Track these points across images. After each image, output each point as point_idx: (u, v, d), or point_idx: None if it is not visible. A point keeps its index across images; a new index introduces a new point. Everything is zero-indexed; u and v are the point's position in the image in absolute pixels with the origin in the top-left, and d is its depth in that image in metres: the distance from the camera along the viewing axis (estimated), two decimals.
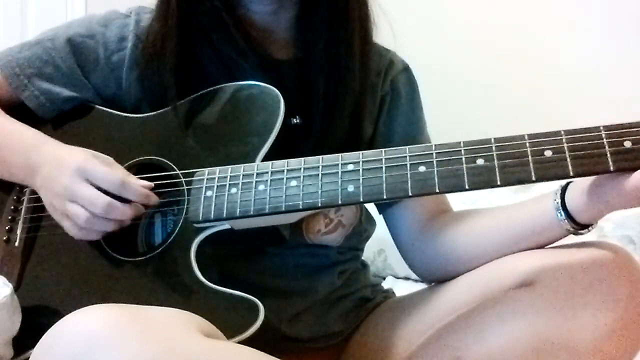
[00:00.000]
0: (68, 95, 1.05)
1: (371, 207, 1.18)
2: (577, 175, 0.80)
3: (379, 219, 1.19)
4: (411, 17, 2.07)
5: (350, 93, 1.03)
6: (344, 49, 1.03)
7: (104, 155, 0.97)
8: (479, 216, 1.04)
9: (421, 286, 1.77)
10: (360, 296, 1.15)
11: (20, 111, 1.05)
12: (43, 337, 0.71)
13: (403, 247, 1.12)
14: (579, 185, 0.87)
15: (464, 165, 0.83)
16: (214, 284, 0.90)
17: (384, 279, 1.94)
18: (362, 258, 1.23)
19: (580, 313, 0.85)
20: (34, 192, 1.01)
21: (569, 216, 0.88)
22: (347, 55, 1.03)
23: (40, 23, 2.04)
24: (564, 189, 0.90)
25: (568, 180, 0.88)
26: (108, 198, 0.90)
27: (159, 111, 1.03)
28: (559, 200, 0.89)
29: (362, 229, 1.16)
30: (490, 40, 2.22)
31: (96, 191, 0.91)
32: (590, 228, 0.90)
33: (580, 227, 0.89)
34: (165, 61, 1.01)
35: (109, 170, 0.92)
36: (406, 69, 1.16)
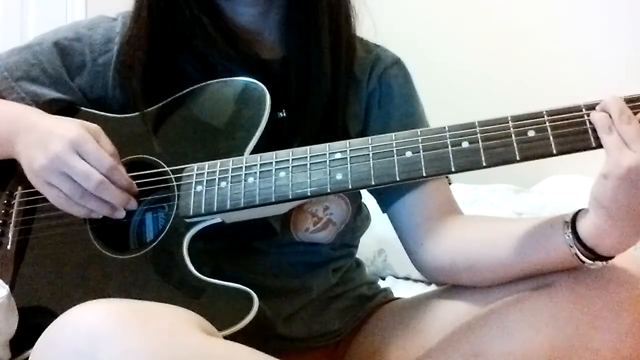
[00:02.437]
0: (54, 97, 1.05)
1: (373, 204, 1.17)
2: (560, 153, 0.81)
3: (378, 218, 1.18)
4: (399, 12, 2.09)
5: (321, 87, 1.04)
6: (314, 46, 1.04)
7: (93, 125, 0.97)
8: (494, 222, 1.04)
9: (421, 286, 1.80)
10: (358, 294, 1.15)
11: None
12: (44, 332, 0.71)
13: (409, 247, 1.09)
14: (587, 210, 0.85)
15: (450, 149, 0.85)
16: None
17: (384, 279, 1.94)
18: (360, 257, 1.23)
19: (599, 313, 0.85)
20: (24, 195, 1.02)
21: (574, 231, 0.85)
22: (316, 51, 1.04)
23: (40, 23, 2.05)
24: (575, 214, 0.87)
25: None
26: (102, 176, 0.91)
27: (139, 112, 1.03)
28: (569, 220, 0.86)
29: (356, 226, 1.16)
30: (481, 33, 2.24)
31: (90, 167, 0.92)
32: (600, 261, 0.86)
33: (584, 247, 0.85)
34: (135, 68, 1.03)
35: (101, 150, 0.93)
36: (397, 62, 1.15)
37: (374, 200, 1.13)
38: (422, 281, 1.84)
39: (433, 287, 1.65)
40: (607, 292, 0.86)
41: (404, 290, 1.70)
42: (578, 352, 0.86)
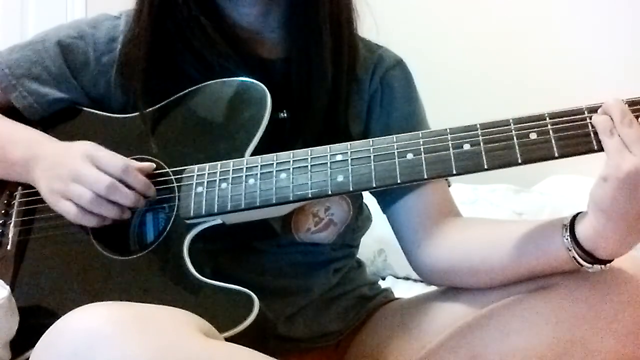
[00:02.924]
0: (56, 97, 1.05)
1: (374, 204, 1.17)
2: (562, 156, 0.80)
3: (378, 218, 1.18)
4: (400, 13, 2.09)
5: (322, 88, 1.03)
6: (314, 46, 1.04)
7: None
8: (492, 225, 1.04)
9: (421, 286, 1.81)
10: (358, 295, 1.15)
11: (11, 115, 1.06)
12: (44, 334, 0.71)
13: (408, 248, 1.09)
14: (585, 213, 0.85)
15: (451, 151, 0.84)
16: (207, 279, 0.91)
17: (384, 279, 1.95)
18: (360, 257, 1.22)
19: (599, 315, 0.85)
20: (24, 195, 1.02)
21: (572, 235, 0.85)
22: (317, 51, 1.04)
23: (40, 23, 2.04)
24: (573, 217, 0.87)
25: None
26: (111, 178, 0.92)
27: (139, 113, 1.03)
28: (567, 223, 0.87)
29: (357, 226, 1.15)
30: (481, 33, 2.24)
31: (100, 172, 0.92)
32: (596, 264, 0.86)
33: (583, 251, 0.85)
34: (136, 67, 1.03)
35: (113, 155, 0.95)
36: (399, 63, 1.15)
37: (375, 200, 1.13)
38: (422, 281, 1.82)
39: (433, 288, 1.65)
40: (607, 293, 0.86)
41: (404, 290, 1.70)
42: (578, 353, 0.86)
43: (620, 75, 2.00)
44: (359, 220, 1.15)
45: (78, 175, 0.93)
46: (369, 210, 1.19)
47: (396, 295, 1.21)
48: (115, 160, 0.94)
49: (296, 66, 1.04)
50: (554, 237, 0.87)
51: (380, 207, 1.13)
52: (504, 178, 1.92)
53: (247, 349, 0.75)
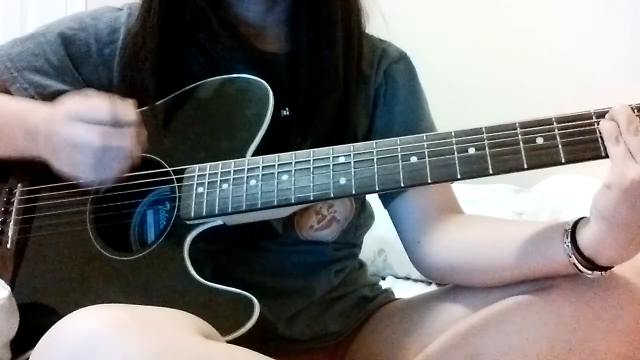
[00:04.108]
0: (58, 89, 1.04)
1: (375, 202, 1.17)
2: (569, 162, 0.80)
3: (378, 218, 1.18)
4: (406, 10, 2.08)
5: (332, 85, 1.03)
6: (326, 42, 1.03)
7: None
8: (493, 224, 1.03)
9: (421, 286, 1.81)
10: (359, 295, 1.15)
11: None
12: (44, 336, 0.71)
13: (408, 244, 1.09)
14: (587, 219, 0.85)
15: (456, 155, 0.83)
16: (208, 281, 0.90)
17: (384, 279, 1.95)
18: (360, 257, 1.22)
19: (598, 315, 0.85)
20: (24, 192, 1.01)
21: (574, 241, 0.85)
22: (328, 47, 1.03)
23: (40, 23, 2.04)
24: (575, 223, 0.87)
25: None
26: (102, 129, 0.89)
27: (147, 107, 1.02)
28: (569, 228, 0.86)
29: (359, 224, 1.15)
30: (481, 33, 2.23)
31: (89, 125, 0.90)
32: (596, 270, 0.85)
33: (583, 258, 0.84)
34: (146, 61, 1.01)
35: (93, 105, 0.92)
36: (403, 57, 1.15)
37: (376, 197, 1.12)
38: (422, 281, 1.84)
39: (433, 287, 1.65)
40: (607, 293, 0.86)
41: (404, 290, 1.70)
42: (578, 353, 0.86)
43: (620, 75, 2.00)
44: (362, 218, 1.15)
45: (72, 139, 0.90)
46: (371, 208, 1.19)
47: (396, 295, 1.21)
48: (98, 111, 0.91)
49: (305, 63, 1.04)
50: (555, 242, 0.86)
51: (382, 203, 1.13)
52: (504, 178, 1.91)
53: (247, 349, 0.75)
